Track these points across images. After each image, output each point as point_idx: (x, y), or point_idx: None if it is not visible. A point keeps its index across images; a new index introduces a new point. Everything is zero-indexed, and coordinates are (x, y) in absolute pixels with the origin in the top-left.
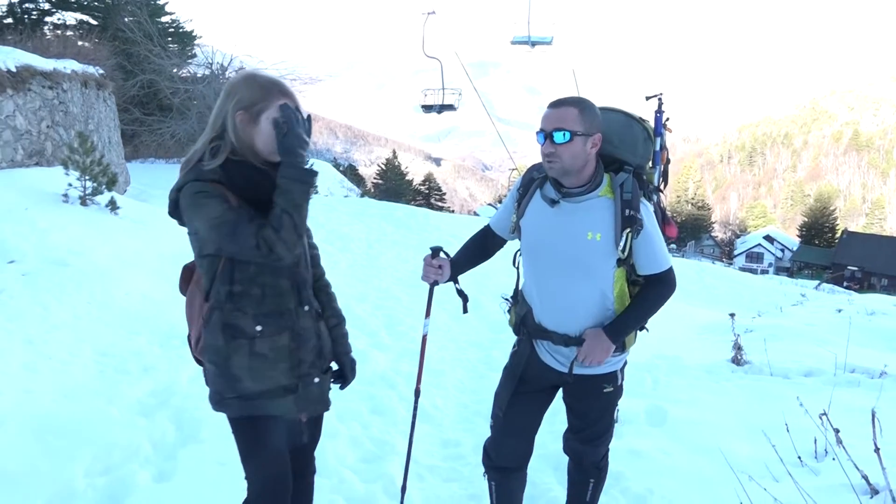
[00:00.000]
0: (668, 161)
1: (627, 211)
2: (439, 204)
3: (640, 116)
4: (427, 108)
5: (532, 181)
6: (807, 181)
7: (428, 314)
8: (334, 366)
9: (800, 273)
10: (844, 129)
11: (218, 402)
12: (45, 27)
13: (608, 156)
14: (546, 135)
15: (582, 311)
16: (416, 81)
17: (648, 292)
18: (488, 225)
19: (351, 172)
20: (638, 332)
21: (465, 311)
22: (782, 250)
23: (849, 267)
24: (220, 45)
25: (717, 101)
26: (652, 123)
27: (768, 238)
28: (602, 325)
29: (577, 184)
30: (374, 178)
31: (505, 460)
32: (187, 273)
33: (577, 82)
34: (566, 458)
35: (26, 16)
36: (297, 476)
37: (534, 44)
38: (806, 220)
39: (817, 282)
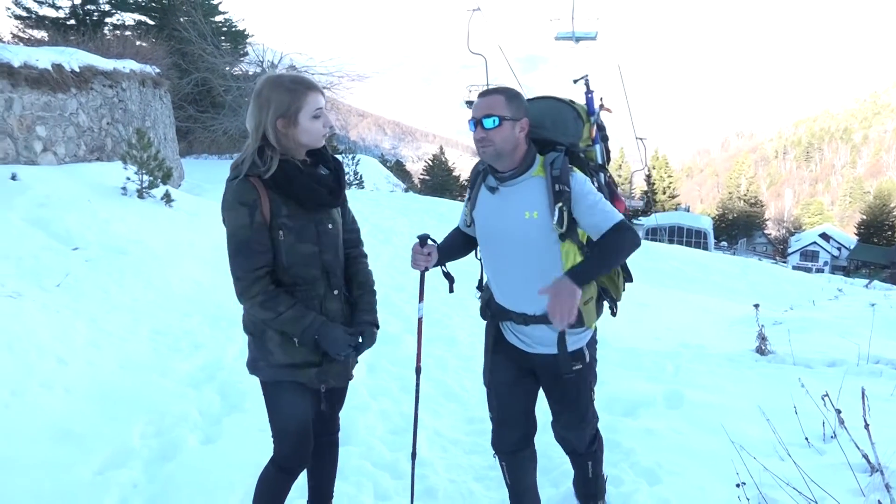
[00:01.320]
0: (606, 138)
1: (557, 186)
2: None
3: (569, 99)
4: (471, 104)
5: (478, 175)
6: (866, 177)
7: (421, 298)
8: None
9: (857, 272)
10: None
11: (253, 367)
12: (105, 28)
13: (543, 140)
14: (476, 122)
15: (533, 289)
16: (464, 76)
17: (603, 240)
18: (458, 225)
19: (398, 168)
20: (604, 308)
21: (451, 290)
22: (839, 249)
23: None
24: (271, 43)
25: (772, 95)
26: (584, 104)
27: (824, 236)
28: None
29: (511, 167)
30: (421, 174)
31: (507, 445)
32: None
33: (623, 76)
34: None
35: (88, 17)
36: (321, 434)
37: (578, 39)
38: (864, 217)
39: (867, 281)
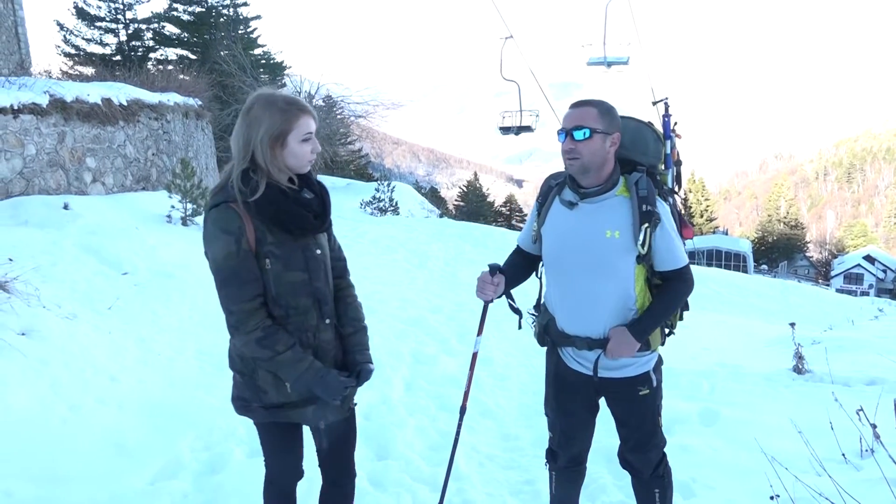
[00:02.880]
0: (679, 163)
1: (645, 206)
2: (520, 225)
3: (648, 121)
4: (505, 130)
5: (550, 189)
6: None
7: (480, 332)
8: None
9: None
10: None
11: (244, 407)
12: (150, 63)
13: (622, 158)
14: (567, 133)
15: (605, 311)
16: (498, 104)
17: (667, 289)
18: (518, 244)
19: (432, 194)
20: (665, 334)
21: (520, 327)
22: (884, 271)
23: None
24: (308, 74)
25: (810, 116)
26: (660, 127)
27: (868, 258)
28: (613, 328)
29: (596, 182)
30: (456, 200)
31: (563, 462)
32: None
33: (656, 99)
34: (617, 451)
35: (133, 53)
36: (332, 480)
37: (609, 64)
38: None
39: None
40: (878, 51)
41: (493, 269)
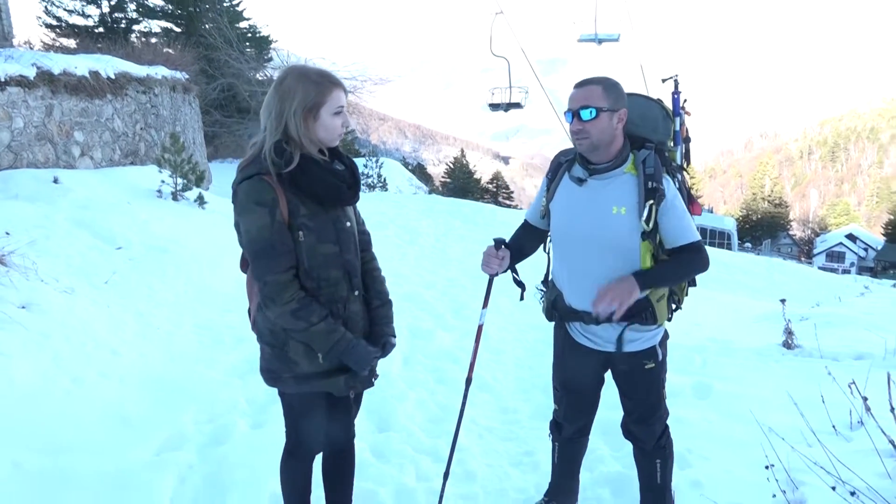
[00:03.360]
0: (688, 139)
1: (650, 183)
2: (507, 202)
3: (658, 98)
4: (494, 107)
5: (560, 166)
6: (894, 177)
7: (486, 304)
8: None
9: (884, 273)
10: None
11: (274, 379)
12: (133, 35)
13: (631, 135)
14: (573, 113)
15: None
16: (484, 80)
17: (680, 255)
18: (525, 219)
19: (419, 171)
20: (672, 309)
21: (522, 298)
22: (865, 249)
23: None
24: (294, 49)
25: (796, 95)
26: (669, 104)
27: (850, 237)
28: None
29: (606, 159)
30: (443, 177)
31: (568, 434)
32: None
33: (646, 76)
34: (614, 423)
35: (115, 25)
36: (338, 442)
37: (601, 41)
38: (892, 217)
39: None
40: (864, 31)
41: (499, 243)
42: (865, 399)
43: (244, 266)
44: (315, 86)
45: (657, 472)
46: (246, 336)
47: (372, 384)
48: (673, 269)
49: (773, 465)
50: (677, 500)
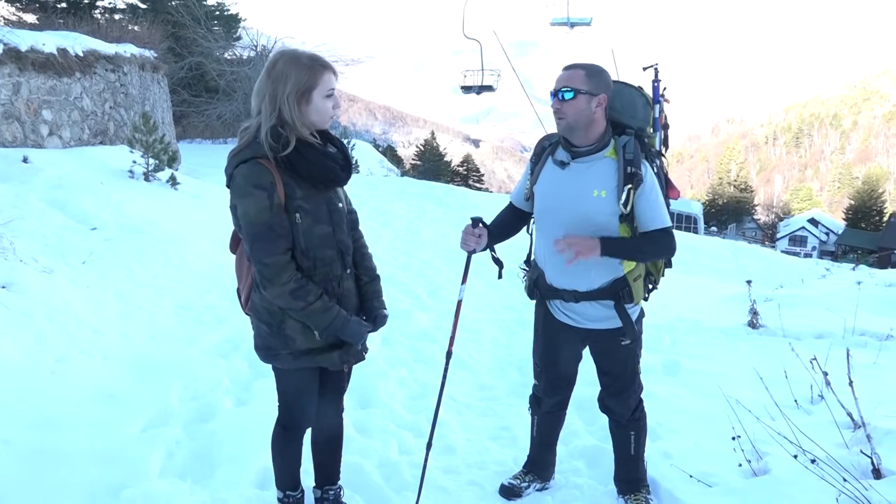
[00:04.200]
0: (667, 126)
1: (630, 168)
2: (477, 185)
3: (638, 86)
4: (466, 89)
5: (544, 149)
6: (855, 163)
7: (464, 280)
8: None
9: (844, 257)
10: None
11: (271, 356)
12: (96, 11)
13: (612, 121)
14: (555, 93)
15: (591, 267)
16: (455, 62)
17: (649, 234)
18: (510, 201)
19: (390, 153)
20: (649, 290)
21: (500, 276)
22: (827, 234)
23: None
24: (263, 28)
25: (762, 80)
26: (649, 92)
27: (813, 221)
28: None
29: (586, 142)
30: (413, 159)
31: (547, 407)
32: (237, 234)
33: (616, 61)
34: (589, 399)
35: (78, 0)
36: (327, 415)
37: (573, 24)
38: (853, 203)
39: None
40: (829, 19)
41: (476, 221)
42: (826, 374)
43: (234, 247)
44: (307, 69)
45: (631, 444)
46: (226, 316)
47: (363, 358)
48: (637, 245)
49: (739, 437)
50: (649, 469)
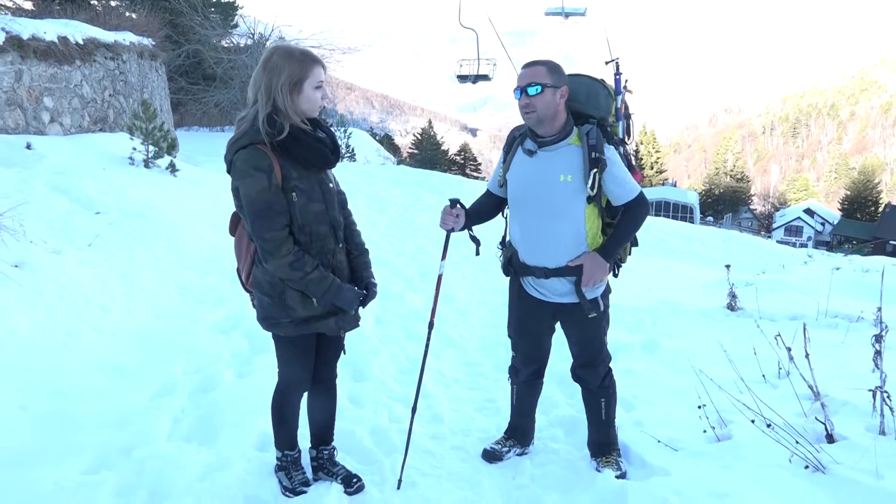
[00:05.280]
0: (628, 116)
1: (594, 153)
2: (474, 174)
3: (601, 79)
4: (462, 79)
5: (514, 140)
6: (852, 154)
7: (444, 257)
8: None
9: (839, 247)
10: (894, 100)
11: (273, 324)
12: None
13: (577, 112)
14: (521, 90)
15: (559, 245)
16: (453, 50)
17: (625, 217)
18: (487, 188)
19: (387, 142)
20: (618, 266)
21: (478, 253)
22: (823, 224)
23: (891, 241)
24: (260, 16)
25: (760, 70)
26: (612, 83)
27: (808, 211)
28: (584, 254)
29: (551, 132)
30: (410, 148)
31: (524, 377)
32: (236, 218)
33: (612, 50)
34: (567, 374)
35: None
36: (322, 380)
37: (567, 15)
38: (849, 193)
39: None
40: (828, 9)
41: (453, 202)
42: (789, 349)
43: (233, 230)
44: (299, 63)
45: (602, 410)
46: (226, 296)
47: (357, 325)
48: (623, 231)
49: (704, 405)
50: (621, 436)
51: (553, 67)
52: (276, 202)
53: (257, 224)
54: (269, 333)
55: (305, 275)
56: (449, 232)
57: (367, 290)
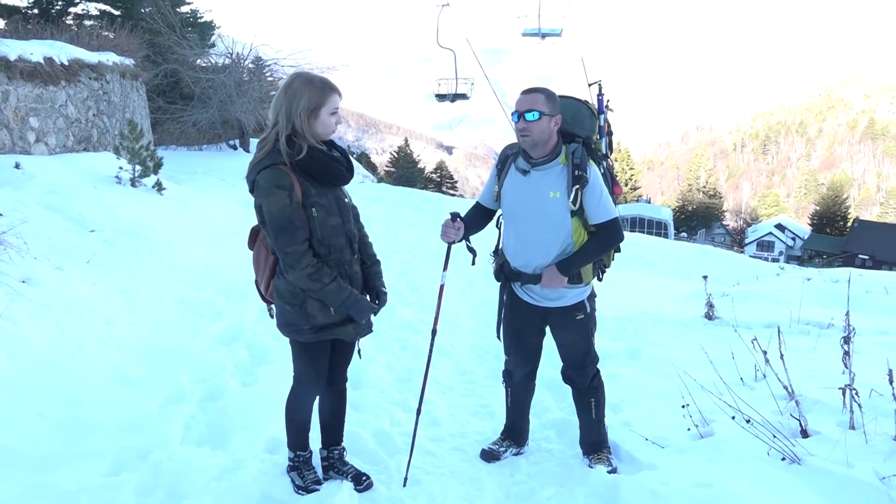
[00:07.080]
0: (611, 133)
1: (577, 171)
2: (451, 192)
3: (585, 99)
4: (441, 97)
5: (507, 158)
6: (821, 170)
7: (446, 268)
8: None
9: (810, 262)
10: (860, 117)
11: (294, 331)
12: (69, 18)
13: (563, 132)
14: (520, 115)
15: (550, 254)
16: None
17: (594, 238)
18: (477, 201)
19: (364, 160)
20: (601, 270)
21: (474, 263)
22: (793, 239)
23: (859, 255)
24: (237, 35)
25: (730, 88)
26: (595, 104)
27: (780, 227)
28: (547, 266)
29: (543, 154)
30: (387, 166)
31: (517, 378)
32: (254, 233)
33: (587, 70)
34: (558, 379)
35: (51, 6)
36: (334, 383)
37: (544, 36)
38: (818, 208)
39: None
40: (795, 28)
41: (454, 216)
42: (765, 353)
43: (252, 243)
44: (318, 90)
45: (592, 409)
46: (222, 310)
47: (371, 331)
48: (585, 251)
49: (687, 405)
50: (611, 435)
51: (550, 95)
52: (296, 218)
53: (280, 238)
54: (269, 345)
55: (324, 286)
56: (450, 244)
57: (378, 299)
